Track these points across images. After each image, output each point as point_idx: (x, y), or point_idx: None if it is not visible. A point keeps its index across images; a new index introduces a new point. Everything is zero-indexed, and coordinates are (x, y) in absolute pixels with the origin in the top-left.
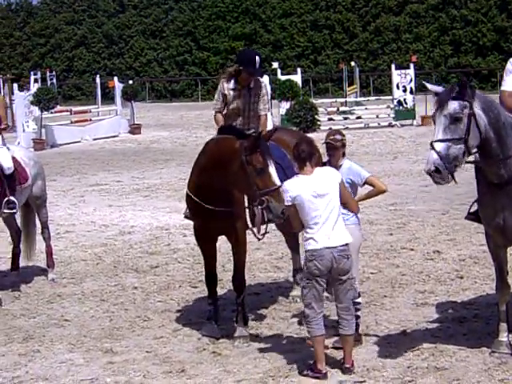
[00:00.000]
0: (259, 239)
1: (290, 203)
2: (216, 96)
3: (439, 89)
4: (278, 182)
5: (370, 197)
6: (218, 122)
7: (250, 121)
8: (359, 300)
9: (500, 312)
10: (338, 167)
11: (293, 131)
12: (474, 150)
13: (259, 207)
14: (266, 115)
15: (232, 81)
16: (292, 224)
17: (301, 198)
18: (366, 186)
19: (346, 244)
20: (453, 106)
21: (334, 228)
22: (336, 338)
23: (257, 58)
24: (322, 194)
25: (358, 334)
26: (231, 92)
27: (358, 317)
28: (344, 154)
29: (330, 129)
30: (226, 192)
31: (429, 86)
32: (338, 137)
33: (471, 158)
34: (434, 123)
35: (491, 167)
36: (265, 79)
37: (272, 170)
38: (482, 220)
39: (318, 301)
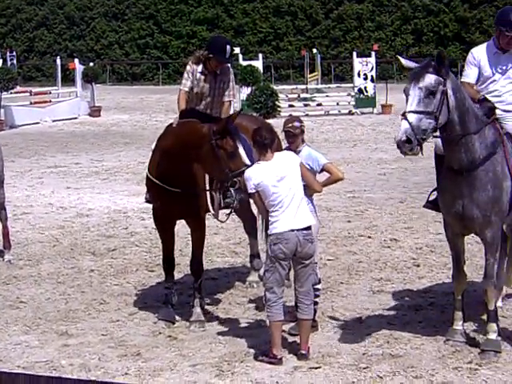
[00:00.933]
0: (222, 222)
1: (253, 190)
2: (185, 75)
3: (413, 64)
4: (248, 162)
5: (326, 184)
6: (181, 103)
7: (213, 106)
8: (319, 286)
9: (456, 300)
10: (297, 153)
11: (252, 117)
12: (439, 127)
13: (231, 189)
14: (229, 102)
15: (200, 65)
16: (258, 210)
17: (263, 184)
18: (324, 173)
19: (310, 227)
20: (429, 79)
21: (297, 210)
22: (292, 325)
23: (228, 46)
24: (284, 178)
25: (314, 320)
26: (198, 75)
27: (315, 303)
28: (303, 141)
29: (291, 115)
30: (188, 176)
31: (402, 60)
32: (297, 124)
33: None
34: (407, 95)
35: (452, 152)
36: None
37: (242, 151)
38: (440, 208)
39: (280, 285)
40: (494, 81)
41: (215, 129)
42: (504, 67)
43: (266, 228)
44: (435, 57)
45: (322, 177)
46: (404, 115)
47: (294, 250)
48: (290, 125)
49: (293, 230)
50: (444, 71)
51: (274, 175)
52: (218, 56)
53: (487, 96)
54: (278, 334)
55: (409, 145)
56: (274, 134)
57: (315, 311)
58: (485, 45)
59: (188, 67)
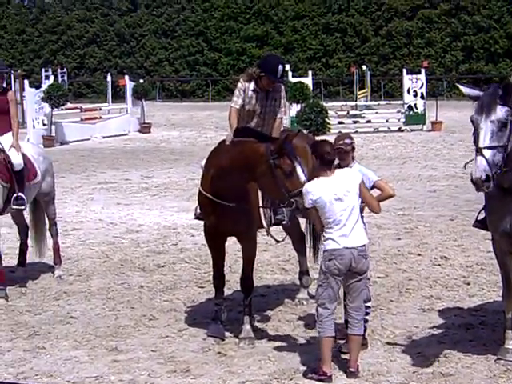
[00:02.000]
0: (278, 242)
1: (311, 206)
2: (237, 92)
3: (475, 92)
4: (304, 181)
5: (378, 201)
6: (233, 121)
7: (264, 123)
8: (369, 304)
9: (506, 319)
10: None
11: (302, 135)
12: None
13: (287, 208)
14: (281, 119)
15: (252, 82)
16: (315, 225)
17: (322, 200)
18: (375, 190)
19: (364, 245)
20: (501, 111)
21: (353, 229)
22: (342, 342)
23: (280, 67)
24: (343, 196)
25: (364, 338)
26: (250, 93)
27: (366, 320)
28: (354, 158)
29: (340, 132)
30: (243, 193)
31: (463, 88)
32: (348, 141)
33: None
34: (476, 127)
35: (506, 172)
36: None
37: (299, 170)
38: (488, 226)
39: (332, 301)
40: None
41: (273, 148)
42: None
43: (314, 245)
44: (502, 87)
45: (373, 194)
46: (480, 152)
47: (349, 266)
48: (341, 142)
49: (347, 248)
50: (511, 100)
51: (332, 192)
52: (269, 75)
53: None
54: (328, 350)
55: (488, 183)
56: (333, 150)
57: (365, 329)
58: None
59: (240, 85)
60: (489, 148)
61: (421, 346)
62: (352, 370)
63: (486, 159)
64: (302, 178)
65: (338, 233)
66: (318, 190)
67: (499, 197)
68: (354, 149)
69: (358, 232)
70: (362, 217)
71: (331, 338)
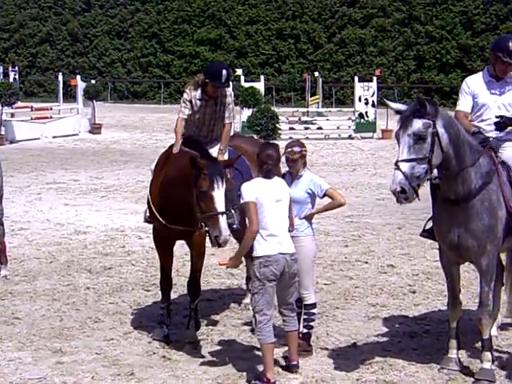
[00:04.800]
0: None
1: (252, 199)
2: (183, 103)
3: (401, 106)
4: (219, 208)
5: (328, 209)
6: (178, 130)
7: (214, 129)
8: (314, 311)
9: (450, 329)
10: (298, 178)
11: (251, 139)
12: (435, 169)
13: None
14: (230, 123)
15: (199, 90)
16: (249, 223)
17: (259, 201)
18: (326, 198)
19: (294, 253)
20: (417, 125)
21: (285, 236)
22: (286, 348)
23: (224, 72)
24: (279, 200)
25: (308, 345)
26: (197, 102)
27: (311, 327)
28: (305, 165)
29: (291, 138)
30: (186, 205)
31: (390, 103)
32: (297, 149)
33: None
34: (398, 142)
35: (449, 183)
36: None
37: (217, 194)
38: (436, 236)
39: (270, 307)
40: (489, 109)
41: (196, 165)
42: (497, 95)
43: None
44: (417, 101)
45: (324, 202)
46: (396, 165)
47: (282, 272)
48: (290, 149)
49: (281, 254)
50: (431, 113)
51: (271, 194)
52: (213, 82)
53: (482, 124)
54: (270, 356)
55: (404, 195)
56: (279, 155)
57: (310, 335)
58: (479, 74)
59: (185, 95)
60: (405, 161)
61: (365, 354)
62: (294, 363)
63: (402, 172)
64: (218, 203)
65: (273, 239)
66: (257, 188)
67: (446, 208)
68: (303, 156)
69: (289, 240)
70: (311, 223)
71: (272, 344)
